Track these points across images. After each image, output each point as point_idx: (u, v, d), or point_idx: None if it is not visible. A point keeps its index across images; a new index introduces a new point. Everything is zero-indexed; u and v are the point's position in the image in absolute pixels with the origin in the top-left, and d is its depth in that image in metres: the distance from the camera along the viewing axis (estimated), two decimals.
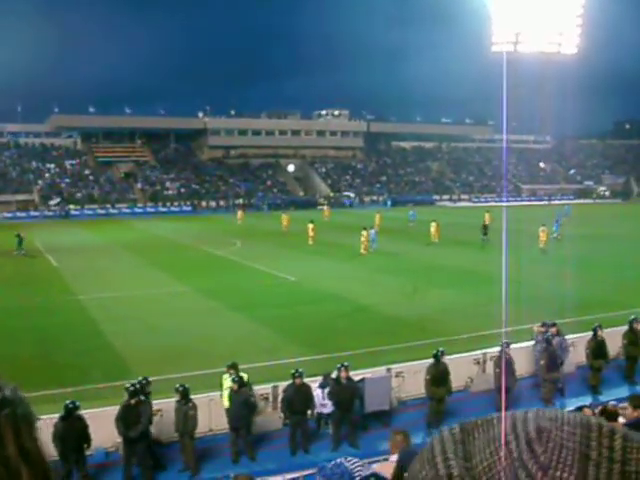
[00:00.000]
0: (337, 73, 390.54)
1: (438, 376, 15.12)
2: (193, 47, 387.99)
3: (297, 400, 14.12)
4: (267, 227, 60.62)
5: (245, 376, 14.63)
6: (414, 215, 61.82)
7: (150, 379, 14.17)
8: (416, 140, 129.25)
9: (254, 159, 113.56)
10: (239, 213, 70.73)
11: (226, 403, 14.24)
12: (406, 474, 3.92)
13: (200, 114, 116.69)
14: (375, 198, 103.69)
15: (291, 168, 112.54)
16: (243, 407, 13.77)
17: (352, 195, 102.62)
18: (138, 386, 13.37)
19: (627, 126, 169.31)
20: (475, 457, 0.83)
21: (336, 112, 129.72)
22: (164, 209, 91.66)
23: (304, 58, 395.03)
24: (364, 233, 42.39)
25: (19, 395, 0.96)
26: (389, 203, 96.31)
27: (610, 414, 8.88)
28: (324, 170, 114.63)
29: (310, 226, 47.36)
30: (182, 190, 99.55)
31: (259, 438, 14.74)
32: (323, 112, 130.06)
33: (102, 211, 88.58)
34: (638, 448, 0.80)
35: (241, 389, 13.89)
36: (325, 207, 77.65)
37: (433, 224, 47.21)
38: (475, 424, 0.89)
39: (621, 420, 9.26)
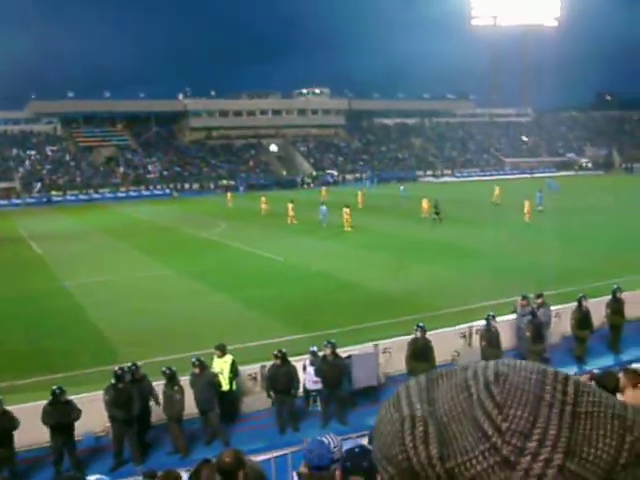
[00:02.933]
0: (317, 52, 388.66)
1: (418, 351, 15.20)
2: (172, 29, 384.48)
3: (279, 380, 14.16)
4: (250, 208, 60.43)
5: (230, 358, 14.69)
6: (405, 190, 62.45)
7: (139, 363, 14.16)
8: (398, 117, 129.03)
9: (236, 140, 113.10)
10: (228, 195, 69.80)
11: (224, 385, 14.36)
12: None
13: (180, 96, 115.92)
14: (358, 175, 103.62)
15: (273, 148, 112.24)
16: (208, 389, 13.73)
17: (335, 173, 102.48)
18: (127, 370, 13.42)
19: (608, 97, 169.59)
20: (438, 401, 0.88)
21: (317, 90, 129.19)
22: (147, 192, 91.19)
23: (284, 37, 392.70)
24: (346, 210, 42.50)
25: None
26: (375, 180, 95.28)
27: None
28: (306, 149, 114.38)
29: (290, 206, 47.24)
30: (165, 173, 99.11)
31: (248, 417, 14.86)
32: (304, 91, 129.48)
33: (85, 197, 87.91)
34: (589, 392, 0.86)
35: (204, 371, 13.89)
36: (323, 188, 76.84)
37: (424, 200, 47.34)
38: (440, 374, 0.93)
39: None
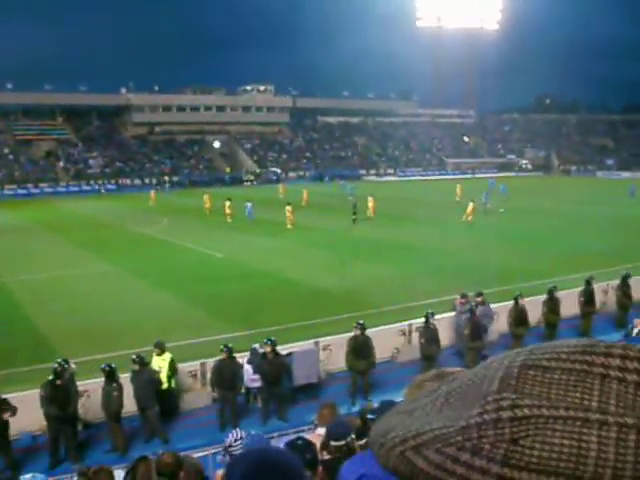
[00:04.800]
0: (262, 48, 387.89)
1: (357, 348, 15.34)
2: (115, 21, 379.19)
3: (225, 375, 14.17)
4: (192, 204, 60.07)
5: (168, 356, 14.65)
6: (353, 189, 62.96)
7: (71, 360, 13.94)
8: (342, 115, 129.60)
9: (179, 135, 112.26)
10: (152, 193, 68.10)
11: (163, 383, 14.32)
12: (333, 442, 4.04)
13: (123, 90, 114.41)
14: (302, 173, 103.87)
15: (217, 144, 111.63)
16: (147, 387, 13.62)
17: (278, 171, 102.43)
18: (62, 366, 13.23)
19: (547, 101, 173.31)
20: None
21: (261, 87, 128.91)
22: (88, 188, 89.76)
23: (229, 33, 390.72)
24: (289, 208, 42.53)
25: None
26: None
27: None
28: (250, 146, 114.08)
29: (227, 203, 47.23)
30: (106, 168, 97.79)
31: (187, 414, 14.83)
32: (248, 87, 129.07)
33: (23, 191, 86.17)
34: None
35: (144, 368, 13.81)
36: (281, 184, 76.95)
37: (370, 199, 47.55)
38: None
39: None
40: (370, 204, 47.40)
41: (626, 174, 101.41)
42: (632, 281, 20.84)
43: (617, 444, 0.64)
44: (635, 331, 18.13)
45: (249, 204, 46.83)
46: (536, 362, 0.72)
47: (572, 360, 0.71)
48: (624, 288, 20.58)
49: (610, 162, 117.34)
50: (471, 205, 43.91)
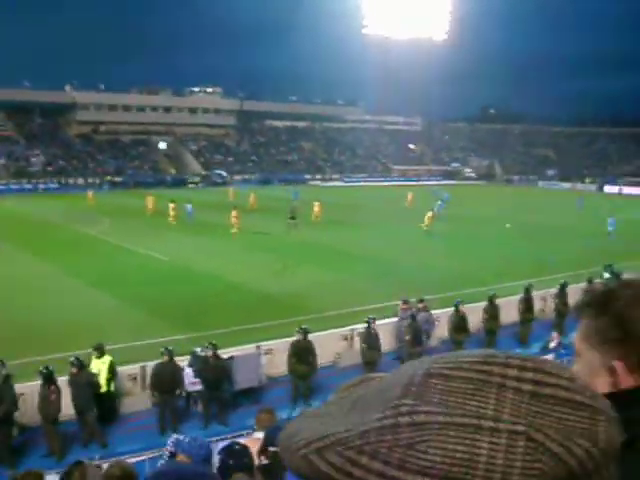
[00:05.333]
0: (210, 51, 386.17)
1: (299, 353, 15.39)
2: (61, 18, 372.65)
3: (165, 379, 14.06)
4: (136, 205, 59.34)
5: (108, 359, 14.48)
6: (297, 194, 62.65)
7: (5, 361, 13.67)
8: (289, 119, 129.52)
9: (124, 135, 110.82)
10: (89, 194, 67.05)
11: (102, 386, 14.15)
12: (271, 448, 4.08)
13: (68, 87, 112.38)
14: (247, 177, 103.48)
15: (162, 145, 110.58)
16: (85, 390, 13.47)
17: (224, 174, 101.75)
18: None
19: (492, 111, 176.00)
20: None
21: (209, 89, 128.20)
22: (29, 186, 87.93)
23: (177, 34, 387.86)
24: (234, 213, 42.32)
25: None
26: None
27: None
28: (196, 148, 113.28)
29: (171, 205, 47.00)
30: (48, 167, 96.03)
31: (126, 418, 14.67)
32: (195, 89, 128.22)
33: None
34: None
35: (82, 371, 13.62)
36: (231, 187, 76.44)
37: (316, 203, 47.72)
38: None
39: None
40: (316, 209, 47.64)
41: (566, 185, 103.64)
42: (569, 289, 21.30)
43: (506, 450, 0.67)
44: (552, 344, 18.51)
45: (189, 206, 47.47)
46: (439, 370, 0.74)
47: (472, 369, 0.73)
48: (562, 296, 21.03)
49: (551, 172, 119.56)
50: (430, 213, 44.22)
